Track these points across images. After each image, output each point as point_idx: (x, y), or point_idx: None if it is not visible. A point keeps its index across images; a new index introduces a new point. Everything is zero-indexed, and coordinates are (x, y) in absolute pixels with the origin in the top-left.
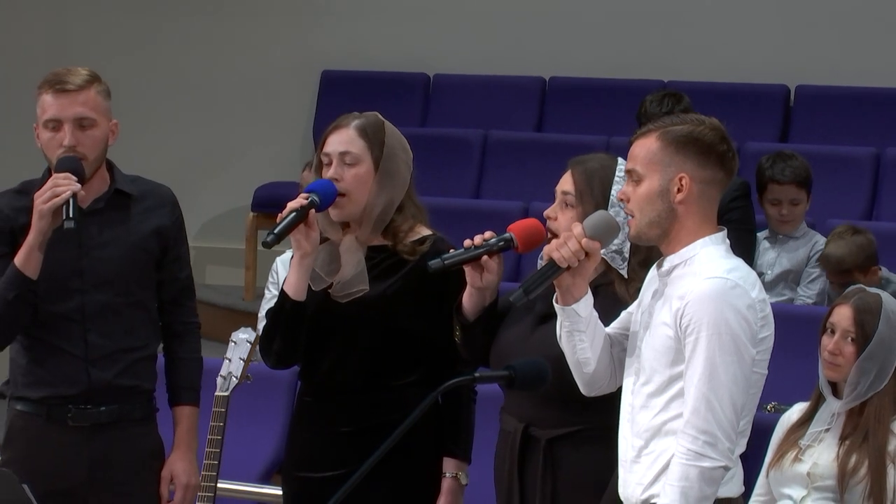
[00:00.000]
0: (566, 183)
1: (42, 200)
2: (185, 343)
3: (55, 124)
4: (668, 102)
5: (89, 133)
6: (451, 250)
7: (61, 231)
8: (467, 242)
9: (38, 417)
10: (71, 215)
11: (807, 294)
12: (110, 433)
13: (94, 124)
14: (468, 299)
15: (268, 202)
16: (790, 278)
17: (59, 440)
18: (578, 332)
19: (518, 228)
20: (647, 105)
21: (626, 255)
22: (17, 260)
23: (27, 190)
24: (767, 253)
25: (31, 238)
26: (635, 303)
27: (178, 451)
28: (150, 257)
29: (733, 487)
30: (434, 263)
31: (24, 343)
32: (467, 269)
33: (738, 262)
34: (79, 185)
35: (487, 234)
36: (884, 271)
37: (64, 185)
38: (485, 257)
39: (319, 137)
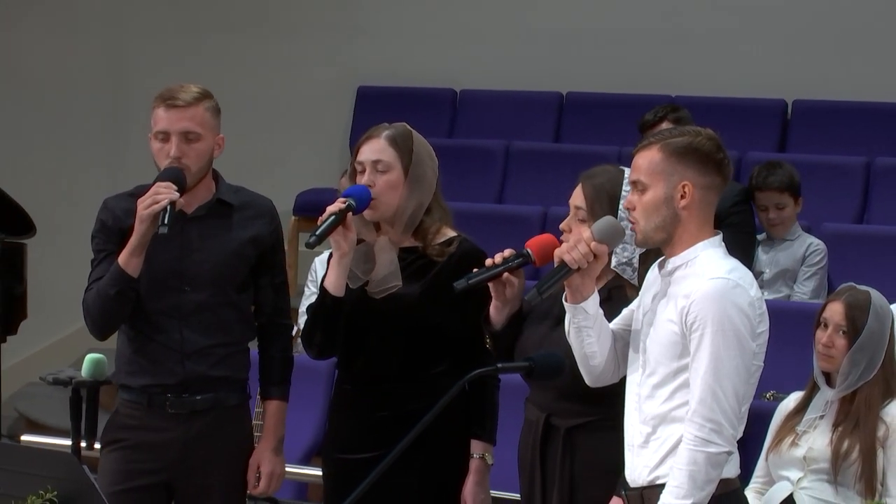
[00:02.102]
0: (577, 198)
1: (143, 206)
2: (275, 342)
3: (164, 136)
4: (662, 110)
5: (194, 146)
6: (476, 251)
7: (161, 235)
8: (489, 262)
9: (139, 405)
10: (165, 221)
11: (802, 291)
12: (206, 419)
13: (199, 138)
14: (494, 311)
15: (308, 207)
16: (787, 276)
17: (158, 425)
18: (586, 328)
19: (534, 244)
20: (645, 116)
21: (636, 266)
22: (120, 259)
23: (138, 194)
24: (766, 253)
25: (133, 240)
26: (635, 301)
27: (264, 441)
28: (245, 263)
29: (731, 469)
30: (459, 284)
31: (129, 335)
32: (491, 286)
33: (737, 263)
34: (178, 195)
35: (507, 252)
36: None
37: (164, 194)
38: (506, 274)
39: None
